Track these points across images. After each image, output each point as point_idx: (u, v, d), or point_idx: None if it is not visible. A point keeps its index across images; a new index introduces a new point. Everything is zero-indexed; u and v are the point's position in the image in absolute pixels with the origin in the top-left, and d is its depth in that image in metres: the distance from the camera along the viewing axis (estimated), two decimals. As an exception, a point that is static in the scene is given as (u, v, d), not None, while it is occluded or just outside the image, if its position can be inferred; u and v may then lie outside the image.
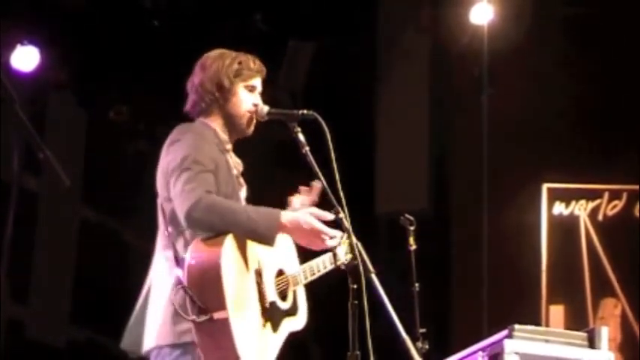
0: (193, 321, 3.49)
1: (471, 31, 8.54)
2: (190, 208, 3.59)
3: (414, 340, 5.05)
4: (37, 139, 3.07)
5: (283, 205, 4.06)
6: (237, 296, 3.57)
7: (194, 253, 3.59)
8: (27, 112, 3.12)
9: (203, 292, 3.51)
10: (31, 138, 3.07)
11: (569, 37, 8.70)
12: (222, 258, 3.55)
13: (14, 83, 3.10)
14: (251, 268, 3.72)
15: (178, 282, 3.54)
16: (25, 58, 7.81)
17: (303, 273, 4.04)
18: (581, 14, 8.60)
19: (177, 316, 3.56)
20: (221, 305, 3.50)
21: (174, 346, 3.66)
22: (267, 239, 3.69)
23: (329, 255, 4.13)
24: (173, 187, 3.71)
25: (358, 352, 3.47)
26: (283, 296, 3.89)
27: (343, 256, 4.15)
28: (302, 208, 3.95)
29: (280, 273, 3.89)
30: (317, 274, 4.11)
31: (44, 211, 8.61)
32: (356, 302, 3.49)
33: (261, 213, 3.70)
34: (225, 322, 3.49)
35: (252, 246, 3.74)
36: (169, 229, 3.68)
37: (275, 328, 3.79)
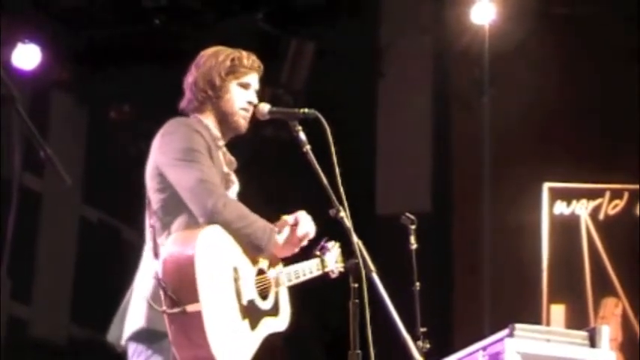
0: (165, 312, 3.47)
1: (472, 30, 8.53)
2: (214, 205, 3.65)
3: (415, 340, 5.05)
4: (38, 137, 3.06)
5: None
6: (212, 291, 3.55)
7: (170, 245, 3.60)
8: (28, 110, 3.10)
9: (177, 285, 3.50)
10: (33, 136, 3.05)
11: (570, 37, 8.69)
12: (197, 250, 3.54)
13: (15, 81, 3.08)
14: (229, 264, 3.70)
15: (154, 274, 3.54)
16: (27, 56, 7.82)
17: (287, 275, 4.00)
18: (582, 14, 8.59)
19: (152, 308, 3.55)
20: (194, 298, 3.47)
21: (149, 335, 3.63)
22: (265, 251, 3.81)
23: (316, 261, 4.17)
24: (178, 178, 3.74)
25: (359, 351, 3.46)
26: (264, 296, 3.85)
27: (332, 264, 4.18)
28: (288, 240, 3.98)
29: (261, 272, 3.87)
30: (302, 279, 4.09)
31: (45, 210, 8.61)
32: (357, 301, 3.48)
33: (265, 226, 3.81)
34: (198, 316, 3.46)
35: (230, 243, 3.73)
36: (151, 221, 3.67)
37: (253, 326, 3.75)
